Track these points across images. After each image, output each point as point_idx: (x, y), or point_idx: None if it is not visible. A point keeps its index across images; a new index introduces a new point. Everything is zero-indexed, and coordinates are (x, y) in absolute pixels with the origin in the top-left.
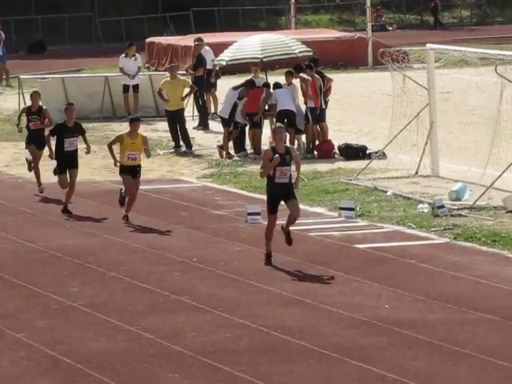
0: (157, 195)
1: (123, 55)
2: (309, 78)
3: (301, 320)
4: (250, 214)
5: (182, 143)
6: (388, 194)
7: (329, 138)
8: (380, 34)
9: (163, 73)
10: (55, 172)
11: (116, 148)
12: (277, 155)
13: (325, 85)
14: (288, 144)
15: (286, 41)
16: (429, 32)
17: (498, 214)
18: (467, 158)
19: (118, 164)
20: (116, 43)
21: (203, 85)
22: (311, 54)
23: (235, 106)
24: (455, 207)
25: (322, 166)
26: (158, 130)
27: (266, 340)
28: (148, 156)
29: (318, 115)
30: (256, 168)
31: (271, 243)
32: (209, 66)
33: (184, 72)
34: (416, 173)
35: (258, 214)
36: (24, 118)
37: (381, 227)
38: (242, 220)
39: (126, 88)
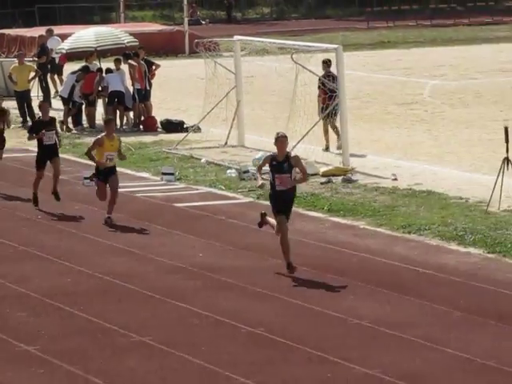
0: (8, 163)
1: None
2: (135, 64)
3: (129, 267)
4: (85, 178)
5: (28, 119)
6: (202, 161)
7: (152, 114)
8: (195, 27)
9: (13, 59)
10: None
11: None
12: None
13: (152, 70)
14: (291, 153)
15: (116, 33)
16: (237, 26)
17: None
18: (268, 131)
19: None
20: None
21: (46, 69)
22: (137, 43)
23: (73, 87)
24: None
25: (147, 138)
26: (8, 108)
27: (100, 284)
28: (122, 159)
29: (143, 95)
30: (91, 139)
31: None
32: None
33: (30, 59)
34: (225, 143)
35: (90, 179)
36: None
37: (196, 189)
38: (79, 183)
39: None
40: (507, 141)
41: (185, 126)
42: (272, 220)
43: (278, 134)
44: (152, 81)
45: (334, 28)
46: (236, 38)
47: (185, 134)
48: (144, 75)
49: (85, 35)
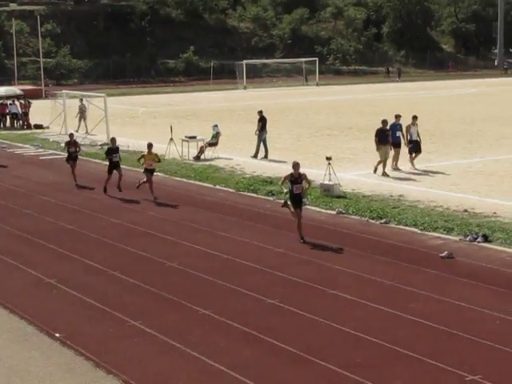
0: None
1: None
2: (23, 101)
3: (53, 179)
4: (2, 147)
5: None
6: (50, 140)
7: (30, 121)
8: (46, 87)
9: None
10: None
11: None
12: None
13: (29, 104)
14: (301, 171)
15: (13, 88)
16: (64, 87)
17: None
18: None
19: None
20: None
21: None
22: (22, 93)
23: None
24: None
25: (27, 132)
26: None
27: (34, 187)
28: (159, 162)
29: (26, 114)
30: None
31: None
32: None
33: None
34: (60, 133)
35: (4, 147)
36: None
37: (47, 151)
38: (5, 150)
39: None
40: (171, 131)
41: (43, 126)
42: (291, 209)
43: (294, 162)
44: (30, 108)
45: (104, 88)
46: (64, 91)
47: (43, 129)
48: (26, 106)
49: (1, 90)
